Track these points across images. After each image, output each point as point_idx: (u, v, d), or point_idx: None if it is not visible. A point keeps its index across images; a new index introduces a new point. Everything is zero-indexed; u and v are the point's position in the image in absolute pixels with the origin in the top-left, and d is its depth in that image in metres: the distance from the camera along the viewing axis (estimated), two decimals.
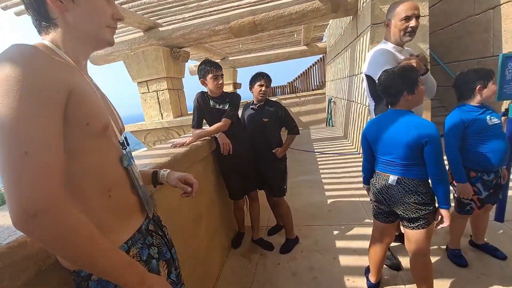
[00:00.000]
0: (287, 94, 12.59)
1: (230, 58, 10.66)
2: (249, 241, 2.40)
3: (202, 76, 1.97)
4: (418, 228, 1.33)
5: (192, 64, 11.49)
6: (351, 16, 5.07)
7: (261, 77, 2.14)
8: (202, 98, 2.05)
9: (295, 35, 8.65)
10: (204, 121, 2.13)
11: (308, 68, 12.62)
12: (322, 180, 3.77)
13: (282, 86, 13.50)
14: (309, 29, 7.64)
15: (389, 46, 1.64)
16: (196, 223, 1.71)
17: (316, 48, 9.85)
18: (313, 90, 12.13)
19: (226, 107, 2.02)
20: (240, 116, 2.43)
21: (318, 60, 12.15)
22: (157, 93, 5.77)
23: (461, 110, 1.58)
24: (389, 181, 1.36)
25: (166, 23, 5.58)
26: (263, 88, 2.13)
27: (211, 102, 2.03)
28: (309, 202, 3.10)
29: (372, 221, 1.60)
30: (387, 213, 1.45)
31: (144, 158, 1.41)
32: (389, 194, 1.37)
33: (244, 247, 2.37)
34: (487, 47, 4.49)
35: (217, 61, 10.35)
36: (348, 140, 5.96)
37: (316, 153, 5.24)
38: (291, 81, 13.18)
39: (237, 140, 2.11)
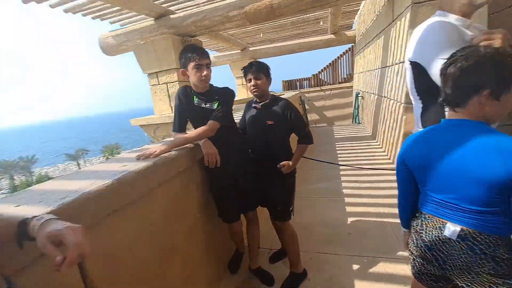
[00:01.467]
0: (312, 86, 11.82)
1: (250, 49, 10.14)
2: (246, 268, 1.97)
3: (182, 65, 1.54)
4: None
5: (211, 55, 11.16)
6: None
7: (247, 70, 1.68)
8: (184, 94, 1.61)
9: (321, 22, 7.88)
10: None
11: (336, 59, 11.73)
12: (344, 190, 3.20)
13: (308, 78, 12.72)
14: (337, 15, 6.87)
15: (451, 18, 1.06)
16: (164, 260, 1.29)
17: (345, 37, 8.97)
18: (340, 83, 11.27)
19: (214, 106, 1.57)
20: (242, 117, 1.99)
21: (347, 50, 11.21)
22: (167, 85, 5.50)
23: None
24: (446, 233, 0.83)
25: (180, 10, 5.21)
26: (252, 83, 1.66)
27: (195, 100, 1.58)
28: (325, 219, 2.59)
29: (408, 255, 1.04)
30: (437, 276, 0.92)
31: (74, 178, 0.98)
32: (445, 252, 0.85)
33: (239, 277, 1.94)
34: None
35: (236, 51, 10.05)
36: (377, 141, 5.25)
37: (339, 163, 4.64)
38: (317, 73, 12.37)
39: (230, 148, 1.66)
